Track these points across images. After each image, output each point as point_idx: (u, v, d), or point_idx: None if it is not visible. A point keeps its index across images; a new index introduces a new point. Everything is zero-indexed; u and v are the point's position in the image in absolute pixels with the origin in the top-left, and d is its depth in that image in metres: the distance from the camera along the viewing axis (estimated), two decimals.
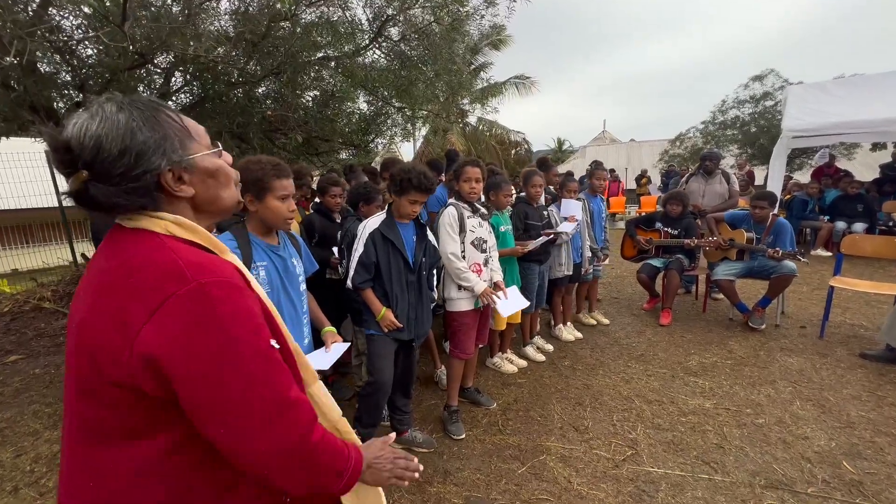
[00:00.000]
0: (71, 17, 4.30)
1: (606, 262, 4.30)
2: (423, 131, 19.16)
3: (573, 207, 3.63)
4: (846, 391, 2.89)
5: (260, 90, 5.91)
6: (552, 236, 3.27)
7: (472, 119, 19.98)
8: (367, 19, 6.67)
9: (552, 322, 4.05)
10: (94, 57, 4.68)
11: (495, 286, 2.68)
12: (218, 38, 4.56)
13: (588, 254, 4.00)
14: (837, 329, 3.91)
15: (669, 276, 4.25)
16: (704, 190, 4.86)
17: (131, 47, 4.66)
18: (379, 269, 2.14)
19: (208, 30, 4.33)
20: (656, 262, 4.45)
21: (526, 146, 21.89)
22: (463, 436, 2.54)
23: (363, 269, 2.12)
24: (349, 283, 2.13)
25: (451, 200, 2.65)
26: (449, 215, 2.54)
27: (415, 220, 2.26)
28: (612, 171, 13.09)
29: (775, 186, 7.00)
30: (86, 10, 3.82)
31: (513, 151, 28.97)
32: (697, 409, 2.75)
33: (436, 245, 2.40)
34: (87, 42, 4.58)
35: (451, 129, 18.00)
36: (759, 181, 10.74)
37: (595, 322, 4.30)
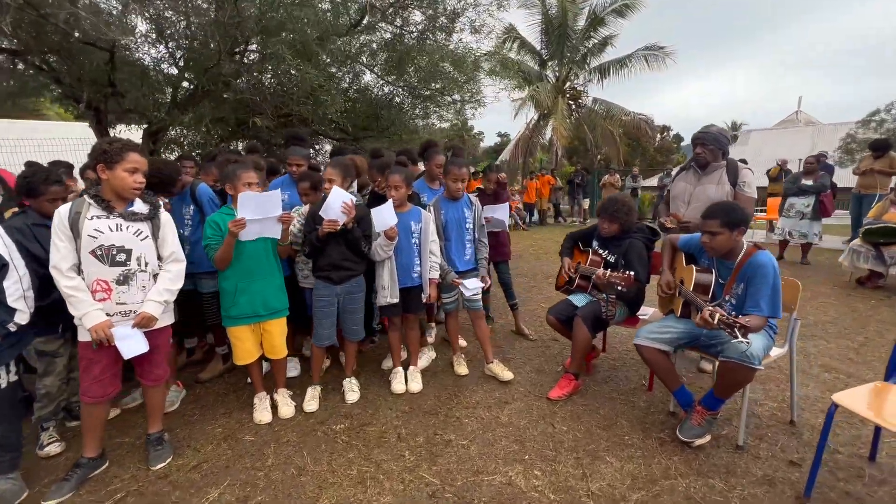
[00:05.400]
0: None
1: (484, 285, 2.97)
2: (527, 114, 17.56)
3: (384, 215, 2.55)
4: None
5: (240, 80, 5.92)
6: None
7: (587, 101, 17.54)
8: None
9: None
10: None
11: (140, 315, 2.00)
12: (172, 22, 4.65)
13: (433, 276, 2.81)
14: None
15: (574, 327, 2.71)
16: (692, 193, 2.99)
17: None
18: None
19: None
20: (577, 300, 2.91)
21: (656, 132, 18.40)
22: (55, 501, 1.95)
23: None
24: None
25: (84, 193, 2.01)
26: (58, 215, 1.93)
27: None
28: (743, 160, 9.74)
29: None
30: None
31: (657, 137, 25.13)
32: None
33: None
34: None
35: (556, 112, 16.11)
36: None
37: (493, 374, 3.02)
